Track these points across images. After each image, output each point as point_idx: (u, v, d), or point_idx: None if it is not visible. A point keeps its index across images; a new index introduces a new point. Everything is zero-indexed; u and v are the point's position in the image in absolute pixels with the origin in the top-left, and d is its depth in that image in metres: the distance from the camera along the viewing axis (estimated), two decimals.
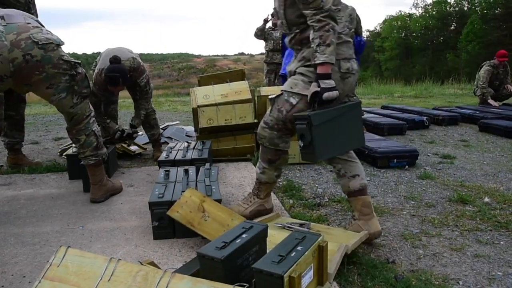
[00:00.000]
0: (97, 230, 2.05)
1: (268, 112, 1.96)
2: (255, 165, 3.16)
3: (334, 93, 1.70)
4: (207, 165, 2.43)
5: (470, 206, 2.40)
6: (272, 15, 5.93)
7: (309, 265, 1.27)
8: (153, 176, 2.99)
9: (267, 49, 6.44)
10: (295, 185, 2.79)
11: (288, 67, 2.03)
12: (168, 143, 3.68)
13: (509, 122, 4.77)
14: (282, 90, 1.91)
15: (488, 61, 6.60)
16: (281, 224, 1.90)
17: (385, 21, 46.32)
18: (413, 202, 2.47)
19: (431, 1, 41.74)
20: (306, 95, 1.80)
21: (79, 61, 2.25)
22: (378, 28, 49.00)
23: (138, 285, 1.10)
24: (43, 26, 2.20)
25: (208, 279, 1.12)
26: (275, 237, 1.61)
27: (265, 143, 1.98)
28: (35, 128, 5.49)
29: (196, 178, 2.25)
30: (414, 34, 41.78)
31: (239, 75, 3.96)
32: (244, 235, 1.32)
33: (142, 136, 4.24)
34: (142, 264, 1.24)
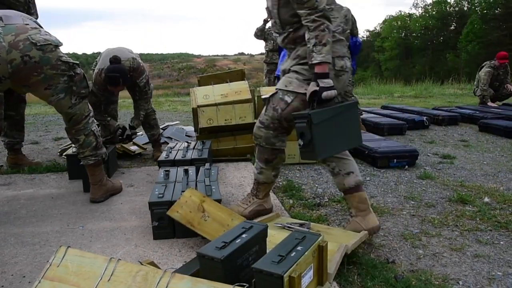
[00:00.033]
0: (97, 230, 2.05)
1: (263, 111, 1.97)
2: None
3: (333, 92, 1.71)
4: (207, 165, 2.43)
5: (470, 206, 2.40)
6: None
7: (309, 265, 1.27)
8: (153, 176, 2.99)
9: (267, 49, 6.44)
10: (295, 185, 2.79)
11: (281, 66, 2.03)
12: (168, 143, 3.68)
13: (509, 122, 4.77)
14: (276, 89, 1.92)
15: (488, 62, 6.58)
16: (281, 224, 1.90)
17: (385, 21, 46.32)
18: (413, 202, 2.47)
19: (431, 1, 41.79)
20: (301, 93, 1.82)
21: (78, 62, 2.25)
22: (378, 28, 49.03)
23: (138, 285, 1.10)
24: (42, 27, 2.20)
25: (208, 279, 1.12)
26: (275, 237, 1.61)
27: (261, 142, 1.98)
28: (35, 128, 5.49)
29: (196, 178, 2.25)
30: (414, 34, 41.79)
31: (239, 75, 3.96)
32: (244, 235, 1.32)
33: (142, 136, 4.24)
34: (142, 264, 1.24)
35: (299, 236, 1.35)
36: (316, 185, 2.81)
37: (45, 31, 2.15)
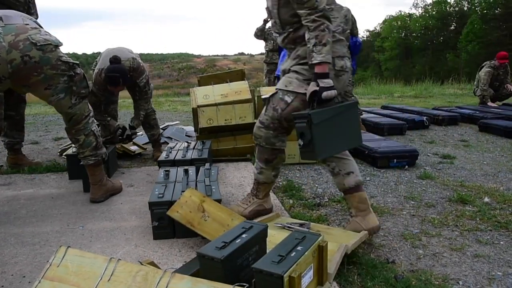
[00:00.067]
0: (97, 230, 2.05)
1: (263, 111, 1.97)
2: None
3: (333, 92, 1.72)
4: (207, 165, 2.43)
5: (470, 206, 2.40)
6: None
7: (309, 265, 1.27)
8: (153, 176, 2.99)
9: (267, 49, 6.44)
10: (295, 185, 2.79)
11: (281, 66, 2.04)
12: (168, 143, 3.68)
13: (509, 122, 4.77)
14: (276, 89, 1.92)
15: (488, 62, 6.58)
16: (281, 224, 1.90)
17: (385, 21, 46.32)
18: (413, 202, 2.47)
19: (431, 1, 41.79)
20: (301, 93, 1.82)
21: (77, 62, 2.25)
22: (378, 28, 49.02)
23: (138, 285, 1.10)
24: (42, 27, 2.20)
25: (208, 279, 1.12)
26: (275, 237, 1.61)
27: (261, 142, 1.98)
28: (35, 128, 5.49)
29: (196, 178, 2.25)
30: (414, 34, 41.79)
31: (239, 75, 3.96)
32: (244, 235, 1.32)
33: (142, 136, 4.24)
34: (142, 264, 1.24)
35: (299, 236, 1.35)
36: (316, 185, 2.81)
37: (45, 31, 2.15)
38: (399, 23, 43.62)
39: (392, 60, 40.86)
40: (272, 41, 6.24)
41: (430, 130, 5.01)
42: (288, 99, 1.85)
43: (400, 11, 64.33)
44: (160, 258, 1.74)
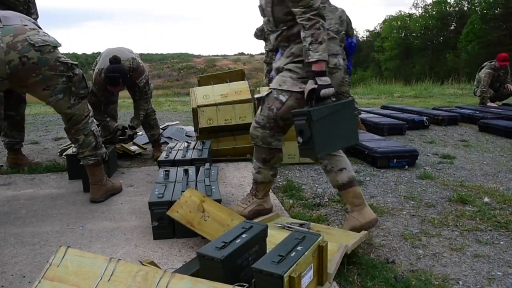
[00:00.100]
0: (97, 230, 2.05)
1: (258, 111, 1.98)
2: None
3: (331, 90, 1.74)
4: (207, 165, 2.43)
5: (470, 206, 2.40)
6: None
7: (309, 265, 1.27)
8: (153, 176, 2.99)
9: (266, 49, 6.41)
10: (295, 185, 2.79)
11: (275, 64, 2.04)
12: (168, 143, 3.68)
13: (509, 122, 4.77)
14: (270, 88, 1.94)
15: (488, 63, 6.55)
16: (281, 224, 1.90)
17: (385, 21, 46.35)
18: (413, 202, 2.47)
19: (431, 1, 41.80)
20: (296, 92, 1.83)
21: (76, 63, 2.25)
22: (378, 28, 49.05)
23: (138, 285, 1.10)
24: (41, 28, 2.20)
25: (208, 279, 1.12)
26: (275, 237, 1.61)
27: (258, 142, 1.99)
28: (35, 128, 5.49)
29: (196, 178, 2.25)
30: (414, 34, 41.80)
31: (239, 75, 3.97)
32: (244, 235, 1.32)
33: (142, 136, 4.24)
34: (142, 264, 1.24)
35: (299, 236, 1.35)
36: (316, 185, 2.81)
37: (44, 32, 2.15)
38: (399, 23, 43.64)
39: (392, 60, 40.88)
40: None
41: (430, 130, 5.01)
42: (283, 98, 1.87)
43: (400, 11, 64.42)
44: (160, 258, 1.74)
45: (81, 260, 1.19)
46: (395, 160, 3.25)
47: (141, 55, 3.49)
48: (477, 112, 5.54)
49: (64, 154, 3.54)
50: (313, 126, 1.67)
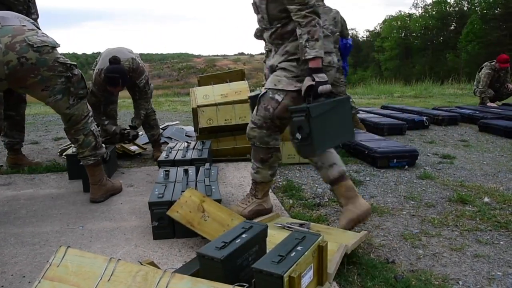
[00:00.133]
0: (97, 230, 2.05)
1: (254, 112, 1.99)
2: None
3: (328, 87, 1.75)
4: (207, 165, 2.43)
5: (470, 206, 2.40)
6: None
7: (309, 265, 1.27)
8: (153, 176, 2.99)
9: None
10: (295, 185, 2.79)
11: (269, 62, 2.04)
12: (168, 143, 3.68)
13: (509, 122, 4.77)
14: (265, 88, 1.93)
15: (488, 63, 6.50)
16: (281, 224, 1.90)
17: (385, 21, 46.35)
18: (413, 202, 2.47)
19: (431, 1, 41.81)
20: (291, 91, 1.85)
21: (75, 63, 2.25)
22: (378, 28, 49.04)
23: (138, 285, 1.10)
24: (39, 29, 2.19)
25: (208, 279, 1.12)
26: (275, 237, 1.61)
27: (255, 142, 2.00)
28: (35, 128, 5.49)
29: (196, 178, 2.25)
30: (414, 34, 41.81)
31: (239, 75, 3.96)
32: (244, 235, 1.32)
33: (142, 136, 4.24)
34: (142, 264, 1.24)
35: (299, 236, 1.35)
36: (316, 185, 2.81)
37: (42, 33, 2.15)
38: (399, 23, 43.64)
39: (392, 60, 40.89)
40: None
41: (430, 130, 5.01)
42: (278, 97, 1.87)
43: (400, 11, 64.42)
44: (160, 258, 1.74)
45: (81, 260, 1.19)
46: (395, 160, 3.25)
47: (141, 55, 3.49)
48: (477, 112, 5.53)
49: (64, 154, 3.54)
50: (312, 122, 1.68)
